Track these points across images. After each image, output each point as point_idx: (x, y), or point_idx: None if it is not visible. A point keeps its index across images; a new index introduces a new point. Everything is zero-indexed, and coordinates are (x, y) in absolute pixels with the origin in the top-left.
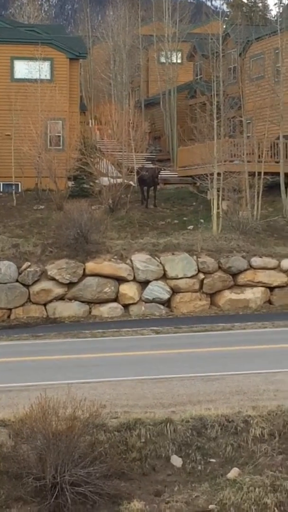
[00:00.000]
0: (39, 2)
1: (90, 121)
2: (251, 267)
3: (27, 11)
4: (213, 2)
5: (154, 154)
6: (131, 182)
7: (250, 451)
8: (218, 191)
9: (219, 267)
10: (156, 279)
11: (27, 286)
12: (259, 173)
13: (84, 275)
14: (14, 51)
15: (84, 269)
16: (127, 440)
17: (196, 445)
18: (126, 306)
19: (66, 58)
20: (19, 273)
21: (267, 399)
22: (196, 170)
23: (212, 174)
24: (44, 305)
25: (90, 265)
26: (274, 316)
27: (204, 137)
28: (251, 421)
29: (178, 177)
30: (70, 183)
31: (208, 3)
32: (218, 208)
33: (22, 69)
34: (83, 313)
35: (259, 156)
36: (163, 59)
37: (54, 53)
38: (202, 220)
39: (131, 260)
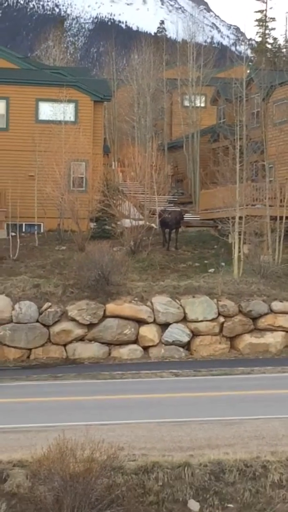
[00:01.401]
0: (65, 45)
1: (113, 163)
2: (271, 311)
3: (53, 53)
4: (238, 47)
5: (177, 196)
6: (153, 225)
7: (268, 497)
8: (239, 234)
9: (240, 311)
10: (176, 322)
11: (47, 326)
12: (281, 217)
13: (105, 316)
14: (39, 93)
15: (104, 311)
16: (144, 483)
17: (213, 490)
18: (145, 348)
19: (91, 101)
20: (40, 314)
21: (286, 444)
22: (218, 213)
23: (234, 218)
24: (64, 345)
25: (111, 307)
26: None
27: (227, 181)
28: (270, 467)
29: (199, 220)
30: (92, 225)
31: (233, 48)
32: (239, 252)
33: (47, 110)
34: (102, 354)
35: (281, 200)
36: (187, 103)
37: (78, 95)
38: (223, 264)
39: (151, 302)
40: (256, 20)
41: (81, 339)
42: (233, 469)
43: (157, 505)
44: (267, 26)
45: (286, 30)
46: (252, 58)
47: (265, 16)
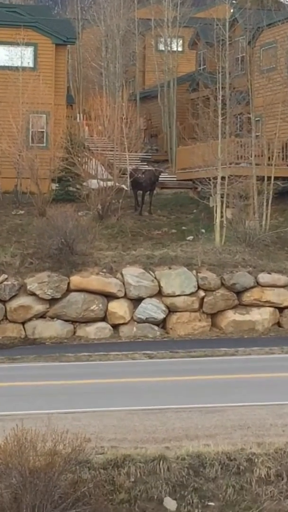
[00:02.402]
0: None
1: (78, 115)
2: (258, 284)
3: None
4: None
5: (150, 154)
6: (123, 186)
7: (254, 494)
8: (222, 197)
9: (222, 284)
10: (150, 296)
11: (3, 302)
12: (269, 178)
13: (69, 290)
14: None
15: (68, 284)
16: (114, 479)
17: (192, 486)
18: (115, 327)
19: (52, 44)
20: None
21: (274, 435)
22: (197, 173)
23: (215, 178)
24: (23, 323)
25: (76, 279)
26: (283, 340)
27: (207, 136)
28: (256, 460)
29: (176, 180)
30: (54, 186)
31: None
32: (221, 217)
33: (2, 55)
34: (66, 333)
35: (269, 158)
36: (161, 47)
37: (38, 38)
38: (203, 230)
39: (122, 274)
40: None
41: (42, 316)
42: (214, 462)
43: (129, 504)
44: None
45: None
46: None
47: None
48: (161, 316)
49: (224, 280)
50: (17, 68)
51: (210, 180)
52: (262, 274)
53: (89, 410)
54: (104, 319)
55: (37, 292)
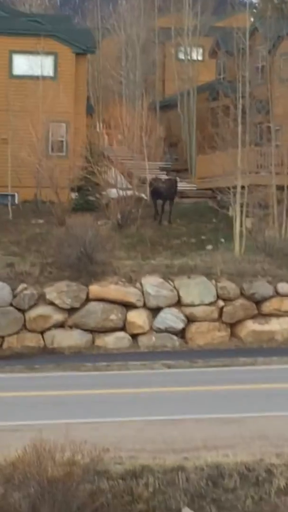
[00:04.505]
0: None
1: (97, 124)
2: (277, 293)
3: None
4: None
5: (170, 163)
6: (143, 195)
7: (273, 505)
8: (241, 206)
9: (241, 294)
10: (169, 306)
11: (22, 311)
12: None
13: (88, 299)
14: (13, 44)
15: (87, 293)
16: (132, 489)
17: (211, 497)
18: (134, 336)
19: (72, 53)
20: (14, 296)
21: None
22: (217, 182)
23: (235, 187)
24: (42, 333)
25: (95, 289)
26: None
27: (227, 145)
28: (275, 471)
29: (196, 189)
30: (73, 195)
31: None
32: (241, 226)
33: (22, 64)
34: (85, 343)
35: None
36: (181, 56)
37: (58, 47)
38: (222, 240)
39: (141, 284)
40: None
41: (60, 325)
42: (233, 473)
43: None
44: None
45: None
46: (256, 5)
47: None
48: (180, 325)
49: (243, 289)
50: (37, 77)
51: (229, 189)
52: (281, 283)
53: (108, 420)
54: (123, 328)
55: (56, 302)
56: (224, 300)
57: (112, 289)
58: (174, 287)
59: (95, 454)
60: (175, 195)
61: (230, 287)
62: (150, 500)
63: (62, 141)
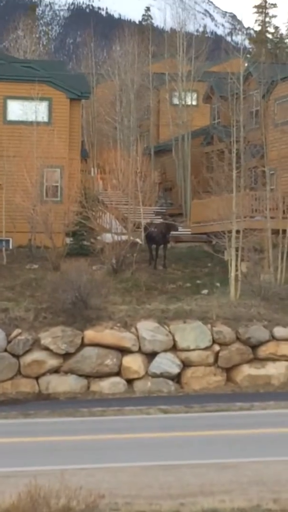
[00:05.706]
0: (37, 35)
1: (92, 169)
2: (273, 338)
3: (23, 45)
4: (234, 38)
5: (165, 207)
6: (137, 240)
7: None
8: (236, 250)
9: (237, 338)
10: (165, 351)
11: (17, 356)
12: (284, 231)
13: (83, 345)
14: (8, 90)
15: (82, 338)
16: None
17: None
18: (130, 381)
19: (66, 98)
20: (8, 342)
21: None
22: (212, 226)
23: (230, 232)
24: (36, 378)
25: (90, 334)
26: None
27: (222, 190)
28: None
29: (191, 234)
30: (68, 240)
31: (228, 38)
32: (236, 270)
33: (17, 110)
34: (80, 388)
35: (283, 211)
36: (176, 101)
37: (52, 93)
38: (218, 284)
39: (136, 329)
40: (255, 7)
41: (55, 371)
42: None
43: None
44: (267, 13)
45: None
46: (250, 50)
47: (265, 1)
48: (175, 370)
49: (239, 334)
50: (31, 122)
51: (224, 233)
52: (277, 328)
53: (103, 466)
54: (118, 373)
55: (51, 347)
56: (220, 344)
57: (107, 334)
58: (170, 332)
59: (90, 500)
60: (169, 240)
61: (226, 331)
62: None
63: (56, 186)
